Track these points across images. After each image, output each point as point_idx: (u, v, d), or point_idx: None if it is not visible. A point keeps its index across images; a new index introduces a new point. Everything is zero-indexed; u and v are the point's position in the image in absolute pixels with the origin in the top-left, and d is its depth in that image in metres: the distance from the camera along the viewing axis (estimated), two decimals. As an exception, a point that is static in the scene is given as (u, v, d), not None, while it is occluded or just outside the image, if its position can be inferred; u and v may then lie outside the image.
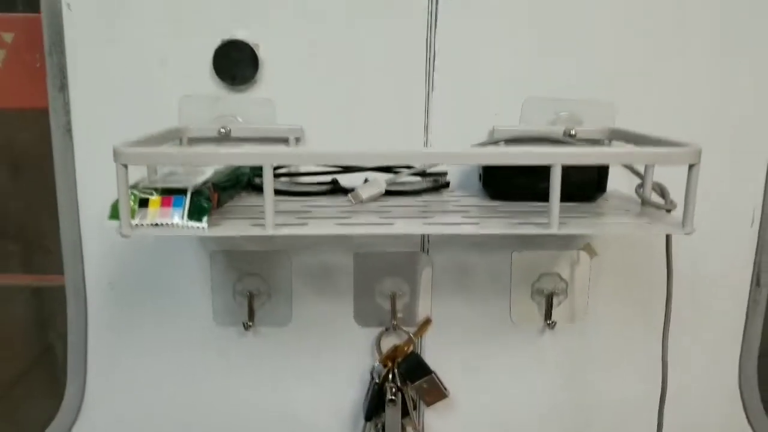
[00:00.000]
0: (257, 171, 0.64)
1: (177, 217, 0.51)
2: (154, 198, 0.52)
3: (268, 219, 0.49)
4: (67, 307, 0.73)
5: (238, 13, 0.66)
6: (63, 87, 0.66)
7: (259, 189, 0.64)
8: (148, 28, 0.66)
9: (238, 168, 0.63)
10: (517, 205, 0.61)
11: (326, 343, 0.74)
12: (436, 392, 0.73)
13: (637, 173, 0.62)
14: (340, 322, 0.74)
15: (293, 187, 0.65)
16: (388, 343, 0.74)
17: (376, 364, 0.74)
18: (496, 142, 0.67)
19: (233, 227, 0.51)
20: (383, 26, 0.66)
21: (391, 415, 0.70)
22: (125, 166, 0.48)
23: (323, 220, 0.54)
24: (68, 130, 0.68)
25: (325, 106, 0.68)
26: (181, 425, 0.76)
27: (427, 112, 0.69)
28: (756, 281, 0.74)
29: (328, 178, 0.67)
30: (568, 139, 0.65)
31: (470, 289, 0.74)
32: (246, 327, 0.73)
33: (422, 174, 0.67)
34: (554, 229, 0.50)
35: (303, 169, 0.68)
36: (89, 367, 0.74)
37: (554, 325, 0.74)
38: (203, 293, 0.73)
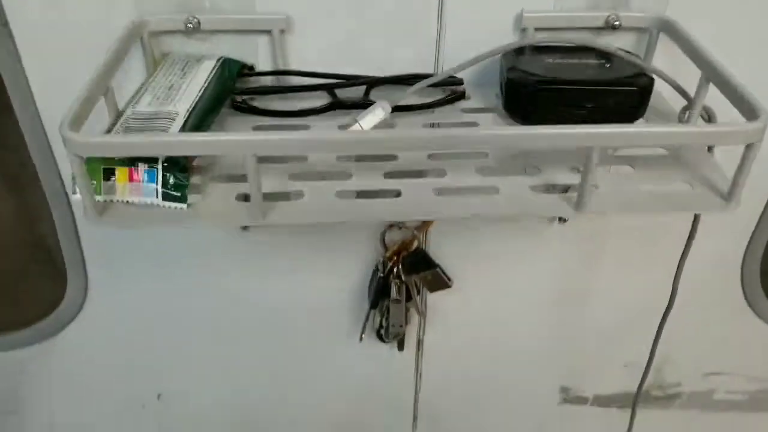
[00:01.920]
0: (240, 91, 0.55)
1: (151, 196, 0.45)
2: (121, 170, 0.45)
3: (254, 204, 0.43)
4: (49, 207, 0.68)
5: None
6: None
7: (242, 110, 0.55)
8: None
9: (220, 82, 0.54)
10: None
11: (332, 238, 0.72)
12: (440, 283, 0.73)
13: (685, 96, 0.53)
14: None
15: (281, 104, 0.56)
16: (393, 238, 0.72)
17: (382, 259, 0.72)
18: (521, 48, 0.55)
19: (217, 209, 0.45)
20: None
21: (396, 307, 0.72)
22: (80, 156, 0.41)
23: (319, 186, 0.47)
24: (4, 24, 0.55)
25: None
26: (182, 323, 0.78)
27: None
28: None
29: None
30: (607, 47, 0.53)
31: None
32: (244, 229, 0.70)
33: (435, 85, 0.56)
34: (583, 211, 0.45)
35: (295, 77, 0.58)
36: (88, 266, 0.73)
37: (565, 220, 0.71)
38: None
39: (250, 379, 0.87)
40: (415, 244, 0.71)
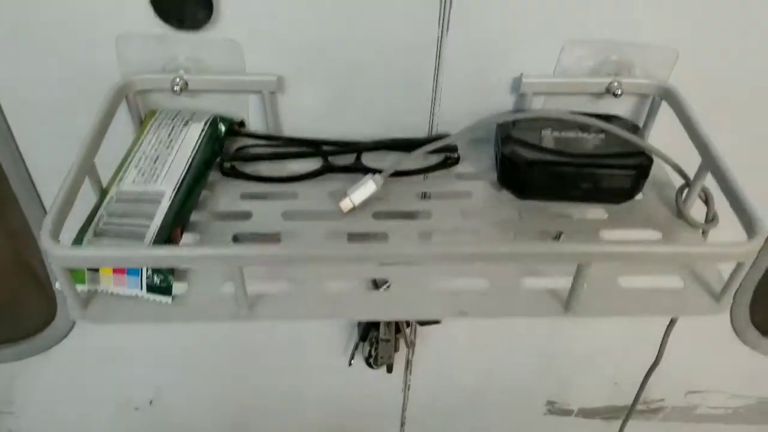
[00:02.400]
0: (229, 157, 0.54)
1: (135, 289, 0.44)
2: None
3: (241, 306, 0.43)
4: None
5: None
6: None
7: (230, 175, 0.54)
8: None
9: (209, 146, 0.52)
10: (540, 209, 0.52)
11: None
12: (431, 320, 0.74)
13: (683, 175, 0.52)
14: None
15: (275, 170, 0.54)
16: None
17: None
18: (517, 119, 0.53)
19: (203, 305, 0.45)
20: None
21: (384, 345, 0.72)
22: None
23: (306, 282, 0.46)
24: None
25: (307, 48, 0.53)
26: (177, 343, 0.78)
27: (438, 58, 0.53)
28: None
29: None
30: (607, 126, 0.52)
31: None
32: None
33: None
34: (570, 316, 0.44)
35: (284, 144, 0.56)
36: None
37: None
38: None
39: (241, 388, 0.90)
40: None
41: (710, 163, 0.47)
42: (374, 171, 0.53)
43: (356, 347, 0.77)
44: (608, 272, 0.47)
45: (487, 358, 0.85)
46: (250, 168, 0.54)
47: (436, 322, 0.74)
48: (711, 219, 0.51)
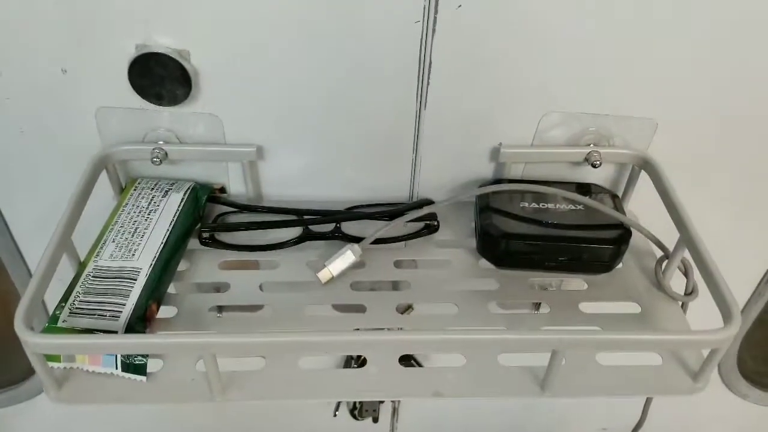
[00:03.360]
0: (208, 227, 0.54)
1: (110, 367, 0.44)
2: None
3: (215, 389, 0.43)
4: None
5: (156, 10, 0.46)
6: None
7: (209, 244, 0.54)
8: (37, 30, 0.47)
9: (188, 216, 0.52)
10: (519, 279, 0.52)
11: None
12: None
13: (662, 248, 0.52)
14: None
15: (254, 238, 0.54)
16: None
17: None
18: (496, 191, 0.54)
19: (176, 388, 0.44)
20: (365, 25, 0.47)
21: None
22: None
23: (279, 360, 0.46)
24: None
25: (287, 120, 0.53)
26: None
27: (417, 130, 0.54)
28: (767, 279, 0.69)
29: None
30: (585, 200, 0.52)
31: None
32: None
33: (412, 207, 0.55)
34: (546, 397, 0.44)
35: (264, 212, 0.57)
36: None
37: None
38: None
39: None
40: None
41: (688, 240, 0.47)
42: (354, 239, 0.53)
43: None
44: (586, 351, 0.47)
45: (475, 401, 0.85)
46: (229, 237, 0.54)
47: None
48: (690, 292, 0.51)
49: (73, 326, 0.44)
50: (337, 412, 0.78)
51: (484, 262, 0.54)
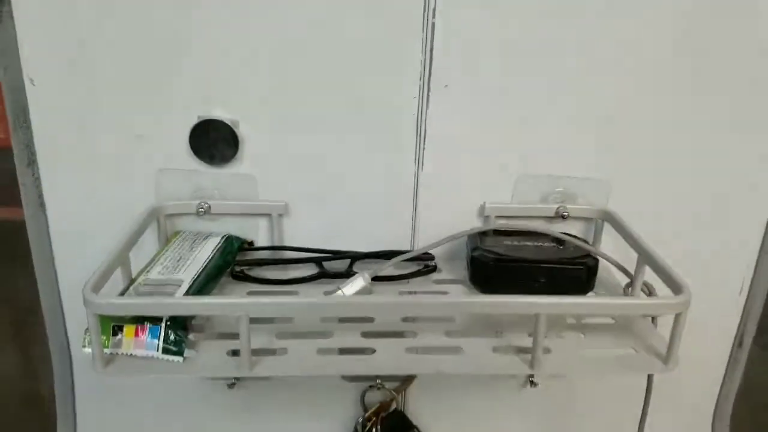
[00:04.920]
0: (239, 263, 0.63)
1: (152, 349, 0.51)
2: (129, 326, 0.51)
3: (244, 359, 0.49)
4: (52, 361, 0.73)
5: (216, 89, 0.61)
6: (31, 163, 0.63)
7: (239, 278, 0.63)
8: (120, 102, 0.61)
9: (222, 254, 0.62)
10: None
11: (312, 397, 0.76)
12: (418, 447, 0.76)
13: (627, 273, 0.61)
14: (329, 378, 0.75)
15: (275, 274, 0.64)
16: (373, 398, 0.76)
17: (360, 419, 0.76)
18: (485, 231, 0.64)
19: (210, 362, 0.51)
20: (372, 104, 0.62)
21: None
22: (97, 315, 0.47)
23: (303, 344, 0.53)
24: (41, 204, 0.65)
25: (309, 182, 0.65)
26: None
27: (416, 190, 0.66)
28: (738, 343, 0.75)
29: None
30: (559, 234, 0.63)
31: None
32: (230, 386, 0.74)
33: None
34: (535, 370, 0.50)
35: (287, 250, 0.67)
36: (78, 420, 0.76)
37: (536, 384, 0.75)
38: None
39: None
40: (394, 405, 0.74)
41: (645, 256, 0.56)
42: (364, 275, 0.62)
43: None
44: (569, 345, 0.54)
45: None
46: (256, 273, 0.63)
47: None
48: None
49: (124, 315, 0.51)
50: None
51: (476, 292, 0.62)
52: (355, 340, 0.54)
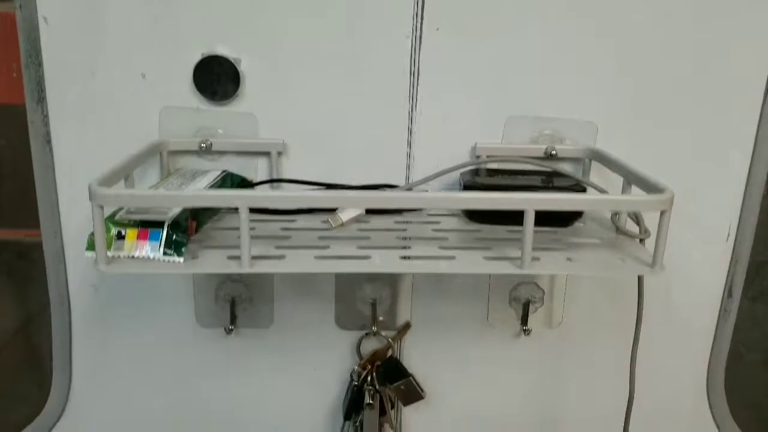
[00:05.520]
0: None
1: (153, 251, 0.52)
2: (131, 230, 0.53)
3: (244, 256, 0.50)
4: (51, 309, 0.74)
5: (220, 27, 0.64)
6: (41, 100, 0.66)
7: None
8: (127, 42, 0.64)
9: (222, 184, 0.64)
10: (495, 230, 0.62)
11: (307, 345, 0.77)
12: (414, 394, 0.76)
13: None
14: (322, 326, 0.76)
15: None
16: (369, 346, 0.77)
17: (356, 367, 0.76)
18: (478, 164, 0.67)
19: (210, 262, 0.52)
20: (367, 45, 0.65)
21: (369, 417, 0.73)
22: (101, 206, 0.49)
23: (301, 252, 0.55)
24: (48, 141, 0.67)
25: (307, 121, 0.68)
26: (164, 426, 0.79)
27: (410, 130, 0.68)
28: (728, 293, 0.77)
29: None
30: (546, 168, 0.65)
31: (449, 294, 0.76)
32: (228, 331, 0.75)
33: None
34: (526, 270, 0.52)
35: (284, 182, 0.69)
36: (74, 369, 0.76)
37: (530, 332, 0.76)
38: (186, 297, 0.74)
39: None
40: (390, 352, 0.75)
41: (629, 175, 0.58)
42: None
43: (342, 429, 0.77)
44: (558, 256, 0.56)
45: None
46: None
47: (420, 397, 0.76)
48: (644, 231, 0.61)
49: (127, 219, 0.53)
50: (336, 455, 0.78)
51: (468, 223, 0.64)
52: (351, 251, 0.55)
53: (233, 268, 0.51)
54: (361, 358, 0.76)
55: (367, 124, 0.68)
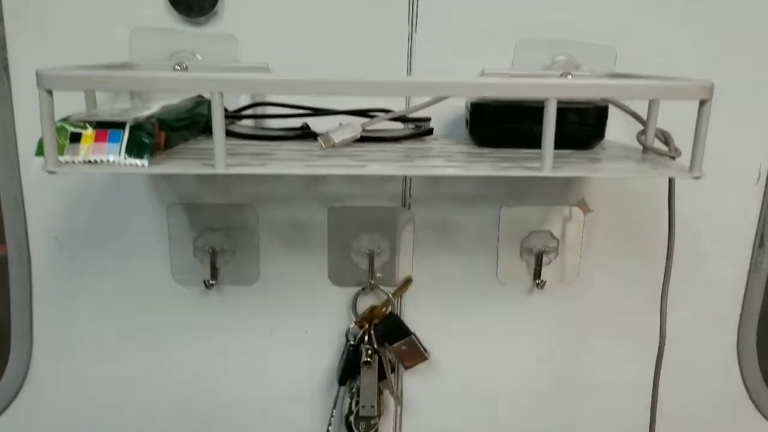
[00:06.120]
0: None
1: (113, 154, 0.45)
2: (88, 132, 0.45)
3: (218, 155, 0.43)
4: (8, 264, 0.66)
5: None
6: (-2, 18, 0.59)
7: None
8: None
9: (195, 107, 0.56)
10: (508, 152, 0.55)
11: (297, 304, 0.69)
12: (416, 354, 0.68)
13: (638, 119, 0.56)
14: (313, 281, 0.68)
15: (257, 131, 0.58)
16: (365, 304, 0.69)
17: (352, 325, 0.68)
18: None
19: (178, 163, 0.45)
20: None
21: (367, 378, 0.65)
22: (50, 93, 0.41)
23: (287, 163, 0.47)
24: (4, 67, 0.60)
25: (293, 43, 0.61)
26: (137, 392, 0.71)
27: (409, 53, 0.62)
28: (759, 242, 0.69)
29: (298, 122, 0.60)
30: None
31: (454, 246, 0.68)
32: (208, 286, 0.67)
33: (403, 119, 0.60)
34: (547, 171, 0.44)
35: (270, 111, 0.61)
36: (35, 330, 0.68)
37: (543, 284, 0.69)
38: (160, 250, 0.67)
39: None
40: (389, 308, 0.67)
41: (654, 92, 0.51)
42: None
43: (335, 402, 0.68)
44: (583, 162, 0.49)
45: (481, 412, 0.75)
46: (238, 128, 0.58)
47: (424, 358, 0.68)
48: (674, 150, 0.54)
49: (85, 120, 0.46)
50: (330, 428, 0.69)
51: (475, 149, 0.57)
52: (344, 162, 0.48)
53: (204, 169, 0.43)
54: (357, 316, 0.68)
55: (362, 47, 0.61)
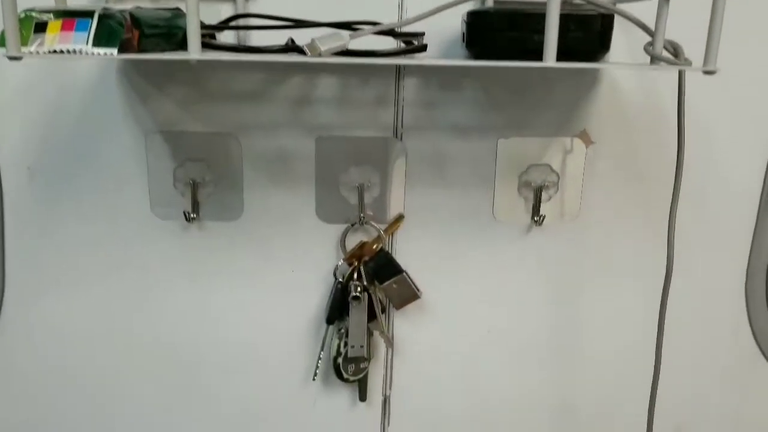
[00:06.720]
0: (208, 27, 0.54)
1: (80, 43, 0.41)
2: (53, 21, 0.42)
3: (192, 41, 0.39)
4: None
5: None
6: None
7: (205, 46, 0.53)
8: None
9: (172, 18, 0.53)
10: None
11: (283, 240, 0.65)
12: (408, 293, 0.64)
13: (646, 29, 0.52)
14: (300, 216, 0.65)
15: (239, 47, 0.55)
16: (355, 241, 0.65)
17: (340, 262, 0.65)
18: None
19: (150, 54, 0.41)
20: None
21: (356, 315, 0.62)
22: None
23: (265, 54, 0.44)
24: None
25: None
26: (114, 332, 0.67)
27: None
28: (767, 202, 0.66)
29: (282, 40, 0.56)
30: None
31: (449, 181, 0.65)
32: (188, 219, 0.63)
33: (394, 33, 0.56)
34: (549, 62, 0.41)
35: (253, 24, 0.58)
36: (7, 265, 0.64)
37: (542, 221, 0.65)
38: (138, 181, 0.63)
39: (183, 414, 0.71)
40: (380, 245, 0.64)
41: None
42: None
43: (323, 344, 0.65)
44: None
45: (475, 391, 0.71)
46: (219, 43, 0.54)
47: (416, 297, 0.64)
48: (684, 60, 0.50)
49: (51, 9, 0.42)
50: (317, 370, 0.65)
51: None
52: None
53: (178, 54, 0.40)
54: (346, 253, 0.65)
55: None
